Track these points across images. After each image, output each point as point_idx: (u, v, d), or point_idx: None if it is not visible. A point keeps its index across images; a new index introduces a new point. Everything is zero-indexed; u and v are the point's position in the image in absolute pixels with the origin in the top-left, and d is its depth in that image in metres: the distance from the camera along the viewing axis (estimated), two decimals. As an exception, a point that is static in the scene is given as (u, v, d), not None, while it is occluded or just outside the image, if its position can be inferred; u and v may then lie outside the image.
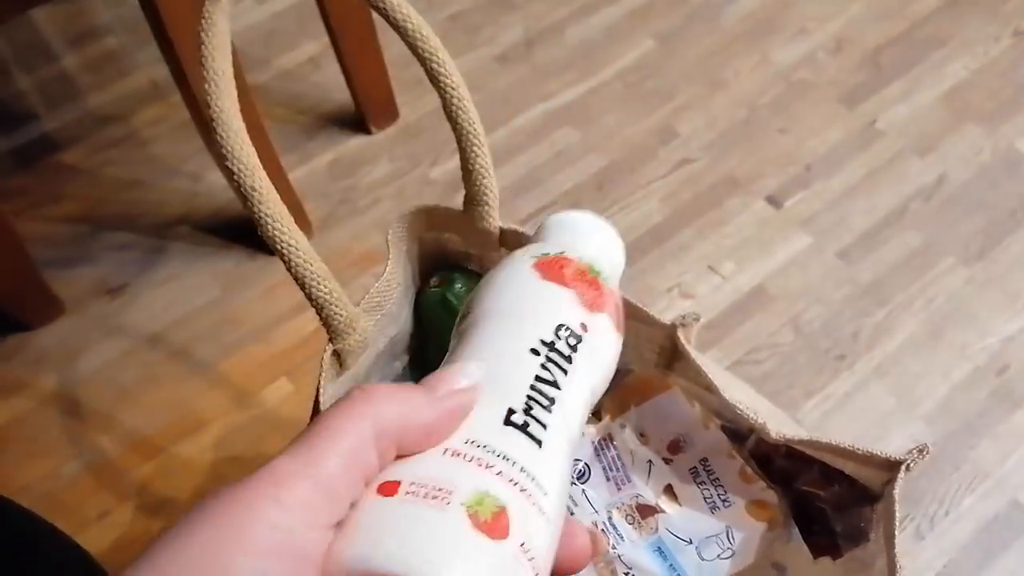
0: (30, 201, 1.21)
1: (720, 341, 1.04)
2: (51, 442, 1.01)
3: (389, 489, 0.26)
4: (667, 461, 0.55)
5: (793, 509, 0.57)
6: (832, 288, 1.08)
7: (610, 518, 0.55)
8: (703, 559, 0.54)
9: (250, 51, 1.34)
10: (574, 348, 0.33)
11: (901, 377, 1.01)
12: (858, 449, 0.47)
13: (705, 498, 0.54)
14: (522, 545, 0.26)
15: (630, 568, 0.54)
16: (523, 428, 0.29)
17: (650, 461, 0.55)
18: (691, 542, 0.54)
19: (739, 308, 1.07)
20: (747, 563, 0.54)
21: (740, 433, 0.56)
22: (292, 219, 0.42)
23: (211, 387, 1.03)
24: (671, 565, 0.54)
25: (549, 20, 1.36)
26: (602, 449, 0.57)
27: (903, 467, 0.45)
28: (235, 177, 0.41)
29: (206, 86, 0.42)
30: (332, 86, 1.28)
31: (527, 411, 0.30)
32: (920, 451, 0.45)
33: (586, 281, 0.35)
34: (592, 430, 0.58)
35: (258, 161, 0.42)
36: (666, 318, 0.52)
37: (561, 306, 0.34)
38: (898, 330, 1.05)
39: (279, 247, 0.41)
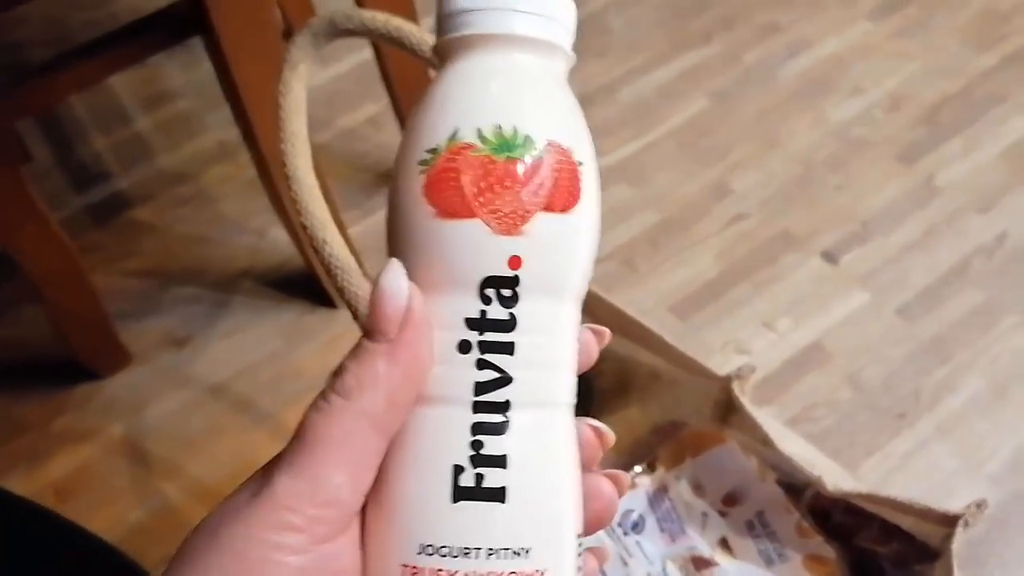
0: (104, 256, 1.26)
1: (776, 398, 1.04)
2: (118, 489, 1.03)
3: None
4: (722, 514, 0.56)
5: (852, 566, 0.57)
6: (891, 346, 1.07)
7: (664, 570, 0.55)
8: (759, 613, 0.54)
9: (313, 111, 1.38)
10: (512, 300, 0.26)
11: (965, 436, 0.99)
12: (916, 503, 0.47)
13: (760, 552, 0.54)
14: None
15: (686, 620, 0.54)
16: (476, 490, 0.26)
17: (705, 513, 0.56)
18: (747, 596, 0.54)
19: (796, 365, 1.07)
20: (804, 618, 0.53)
21: (797, 487, 0.56)
22: (360, 271, 0.44)
23: (273, 438, 1.05)
24: (727, 618, 0.54)
25: (602, 80, 1.38)
26: (657, 501, 0.58)
27: (961, 522, 0.45)
28: (308, 231, 0.43)
29: (282, 146, 0.45)
30: (392, 146, 1.31)
31: (476, 459, 0.26)
32: (978, 506, 0.45)
33: (497, 178, 0.26)
34: (647, 481, 0.59)
35: (330, 216, 0.44)
36: (721, 373, 0.53)
37: (474, 254, 0.26)
38: (961, 388, 1.03)
39: (348, 297, 0.43)
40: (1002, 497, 0.95)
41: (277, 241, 1.24)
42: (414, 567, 0.26)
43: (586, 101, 1.34)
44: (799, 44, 1.39)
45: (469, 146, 0.26)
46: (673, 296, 1.14)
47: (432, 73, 0.29)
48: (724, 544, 0.56)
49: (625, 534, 0.57)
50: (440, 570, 0.25)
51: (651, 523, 0.57)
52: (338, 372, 0.27)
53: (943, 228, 1.17)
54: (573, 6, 0.28)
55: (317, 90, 1.42)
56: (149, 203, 1.32)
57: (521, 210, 0.26)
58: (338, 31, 0.42)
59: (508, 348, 0.26)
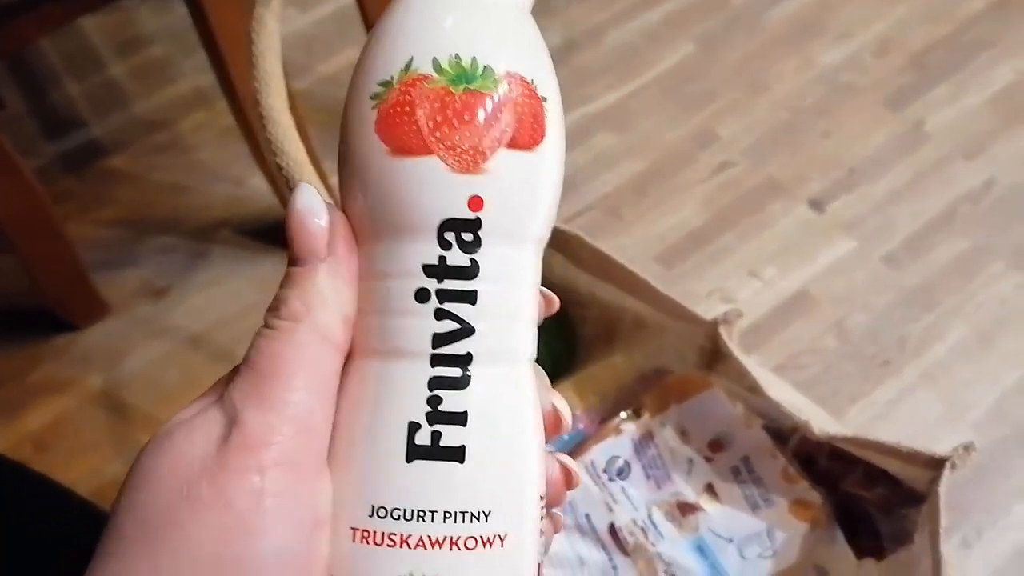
0: (78, 205, 1.23)
1: (762, 346, 1.03)
2: (95, 440, 1.03)
3: None
4: (708, 460, 0.55)
5: (838, 511, 0.56)
6: (877, 293, 1.07)
7: (650, 516, 0.55)
8: (744, 558, 0.53)
9: (293, 57, 1.35)
10: (473, 246, 0.24)
11: (949, 384, 1.00)
12: (902, 447, 0.46)
13: (746, 497, 0.54)
14: None
15: (669, 565, 0.54)
16: (433, 449, 0.24)
17: (691, 459, 0.55)
18: (732, 540, 0.53)
19: (781, 313, 1.06)
20: (789, 563, 0.53)
21: (783, 433, 0.55)
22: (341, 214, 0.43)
23: (253, 388, 1.04)
24: (711, 564, 0.54)
25: (587, 24, 1.36)
26: (642, 447, 0.57)
27: (947, 464, 0.44)
28: (284, 171, 0.41)
29: (256, 84, 0.43)
30: (373, 92, 1.29)
31: (433, 415, 0.24)
32: (966, 448, 0.44)
33: (454, 112, 0.24)
34: (632, 428, 0.58)
35: (307, 156, 0.42)
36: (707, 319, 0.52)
37: (431, 194, 0.24)
38: (946, 336, 1.03)
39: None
40: (986, 444, 0.95)
41: (256, 190, 1.22)
42: (365, 531, 0.24)
43: (571, 45, 1.32)
44: (787, -13, 1.36)
45: (424, 77, 0.24)
46: (659, 245, 1.13)
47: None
48: (710, 489, 0.55)
49: (611, 480, 0.56)
50: (392, 534, 0.24)
51: (637, 469, 0.57)
52: (277, 302, 0.25)
53: (930, 175, 1.16)
54: None
55: (295, 35, 1.39)
56: (124, 151, 1.29)
57: (481, 146, 0.24)
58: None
59: (469, 297, 0.24)
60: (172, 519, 0.22)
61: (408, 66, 0.24)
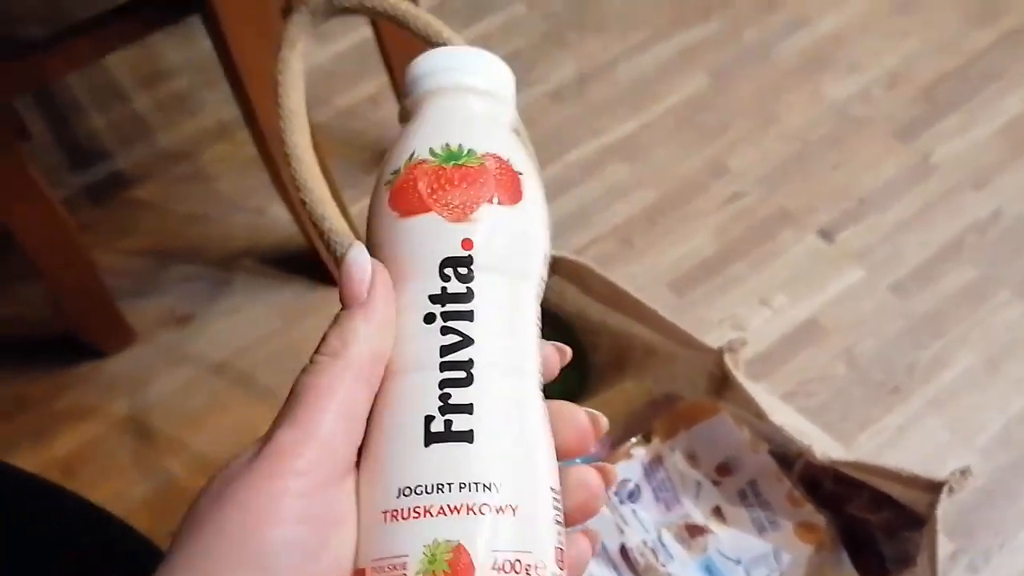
0: (104, 234, 1.26)
1: (772, 373, 1.05)
2: (121, 465, 1.05)
3: None
4: (716, 483, 0.57)
5: (843, 534, 0.58)
6: (886, 321, 1.08)
7: (660, 537, 0.57)
8: (751, 579, 0.55)
9: (311, 90, 1.38)
10: (468, 277, 0.30)
11: (957, 410, 1.01)
12: (902, 471, 0.48)
13: (753, 520, 0.56)
14: (502, 569, 0.27)
15: (679, 586, 0.56)
16: (446, 434, 0.28)
17: (699, 483, 0.57)
18: (739, 562, 0.55)
19: (791, 341, 1.08)
20: (795, 584, 0.55)
21: (788, 457, 0.57)
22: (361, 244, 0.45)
23: (274, 413, 1.05)
24: (719, 584, 0.55)
25: (602, 58, 1.39)
26: (652, 471, 0.59)
27: (945, 488, 0.46)
28: (308, 206, 0.44)
29: (281, 123, 0.45)
30: (390, 123, 1.32)
31: (445, 408, 0.29)
32: (963, 472, 0.46)
33: (446, 181, 0.31)
34: (643, 452, 0.60)
35: (329, 192, 0.45)
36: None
37: (432, 240, 0.30)
38: (954, 363, 1.04)
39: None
40: (993, 469, 0.96)
41: (277, 219, 1.25)
42: (394, 510, 0.28)
43: (585, 78, 1.35)
44: (798, 21, 1.39)
45: (424, 161, 0.31)
46: (671, 273, 1.15)
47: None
48: (717, 512, 0.57)
49: (621, 503, 0.58)
50: (417, 507, 0.27)
51: (647, 492, 0.58)
52: (322, 340, 0.30)
53: (938, 205, 1.18)
54: (509, 70, 0.35)
55: (315, 69, 1.42)
56: (148, 182, 1.32)
57: (469, 202, 0.30)
58: (336, 9, 0.43)
59: (468, 315, 0.30)
60: (209, 518, 0.26)
61: (412, 156, 0.31)
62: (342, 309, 0.30)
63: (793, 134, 1.27)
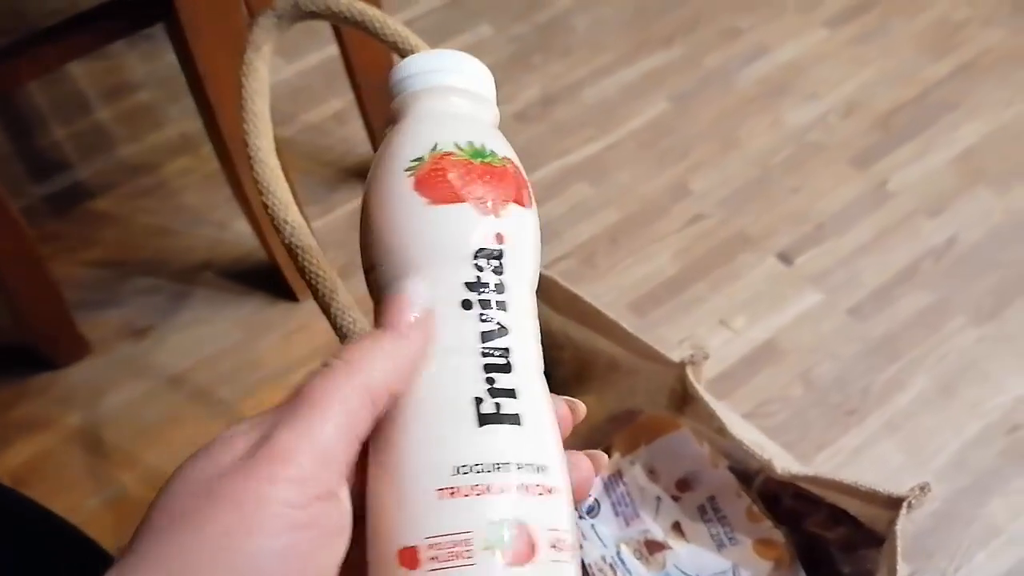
0: (63, 246, 1.25)
1: (731, 394, 1.06)
2: (74, 478, 1.03)
3: (410, 560, 0.27)
4: (675, 499, 0.57)
5: (801, 550, 0.58)
6: (843, 344, 1.10)
7: (618, 553, 0.57)
8: (709, 593, 0.55)
9: (278, 106, 1.38)
10: (500, 269, 0.31)
11: (912, 433, 1.02)
12: (861, 486, 0.48)
13: (712, 536, 0.56)
14: (553, 546, 0.28)
15: (638, 599, 0.56)
16: (498, 416, 0.29)
17: (659, 498, 0.57)
18: (698, 576, 0.55)
19: (750, 362, 1.09)
20: (753, 599, 0.55)
21: (748, 473, 0.57)
22: (322, 252, 0.45)
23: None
24: (678, 598, 0.55)
25: (567, 80, 1.40)
26: (612, 485, 0.59)
27: (905, 504, 0.46)
28: (270, 211, 0.43)
29: (245, 126, 0.45)
30: (356, 140, 1.32)
31: (492, 391, 0.29)
32: (922, 489, 0.46)
33: (477, 175, 0.32)
34: (603, 466, 0.60)
35: (292, 197, 0.45)
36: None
37: (467, 229, 0.31)
38: (909, 386, 1.06)
39: (309, 277, 0.44)
40: (948, 492, 0.98)
41: (239, 234, 1.24)
42: (452, 488, 0.28)
43: (550, 100, 1.36)
44: (758, 49, 1.41)
45: (450, 153, 0.32)
46: (632, 293, 1.16)
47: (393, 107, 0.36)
48: (677, 528, 0.57)
49: (580, 518, 0.58)
50: (477, 485, 0.28)
51: (606, 507, 0.58)
52: (342, 348, 0.29)
53: (894, 231, 1.20)
54: (489, 74, 0.36)
55: (281, 84, 1.42)
56: (109, 194, 1.31)
57: (499, 198, 0.31)
58: (302, 13, 0.43)
59: (503, 306, 0.31)
60: (191, 513, 0.25)
61: (435, 147, 0.32)
62: (375, 327, 0.30)
63: (753, 159, 1.29)
